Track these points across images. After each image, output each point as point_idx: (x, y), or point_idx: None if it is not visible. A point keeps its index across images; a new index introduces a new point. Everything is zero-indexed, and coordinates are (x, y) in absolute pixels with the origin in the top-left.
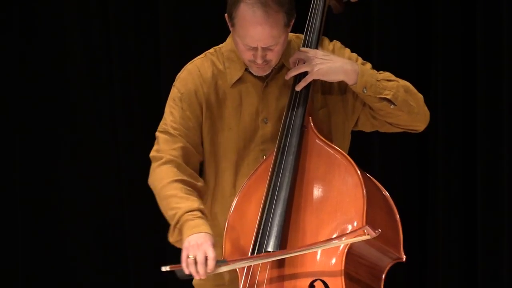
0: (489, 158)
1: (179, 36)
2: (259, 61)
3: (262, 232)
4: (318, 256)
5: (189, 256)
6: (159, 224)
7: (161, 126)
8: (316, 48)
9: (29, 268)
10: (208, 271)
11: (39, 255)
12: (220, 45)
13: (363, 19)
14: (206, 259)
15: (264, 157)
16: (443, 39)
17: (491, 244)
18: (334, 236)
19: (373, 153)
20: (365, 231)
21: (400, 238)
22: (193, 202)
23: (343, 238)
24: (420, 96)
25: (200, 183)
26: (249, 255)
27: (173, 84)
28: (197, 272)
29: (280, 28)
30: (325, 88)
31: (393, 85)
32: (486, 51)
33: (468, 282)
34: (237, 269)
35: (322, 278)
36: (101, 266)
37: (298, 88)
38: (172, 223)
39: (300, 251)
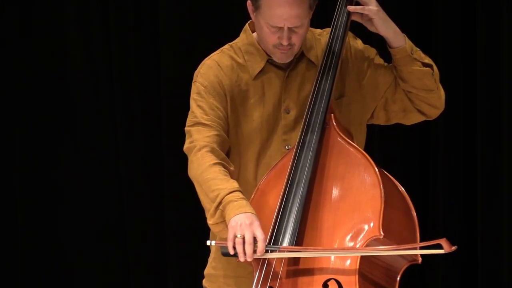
0: (489, 158)
1: (179, 36)
2: (285, 42)
3: (278, 228)
4: (333, 255)
5: (237, 236)
6: (159, 224)
7: (191, 120)
8: (342, 44)
9: (28, 268)
10: (258, 253)
11: (39, 255)
12: (235, 41)
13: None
14: (254, 240)
15: (287, 147)
16: (444, 40)
17: (491, 244)
18: (348, 237)
19: (373, 153)
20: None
21: (417, 239)
22: (234, 183)
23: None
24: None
25: (232, 168)
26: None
27: (194, 80)
28: (244, 252)
29: (306, 8)
30: (344, 76)
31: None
32: (486, 51)
33: (468, 282)
34: (252, 262)
35: (336, 277)
36: (101, 266)
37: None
38: (214, 204)
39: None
